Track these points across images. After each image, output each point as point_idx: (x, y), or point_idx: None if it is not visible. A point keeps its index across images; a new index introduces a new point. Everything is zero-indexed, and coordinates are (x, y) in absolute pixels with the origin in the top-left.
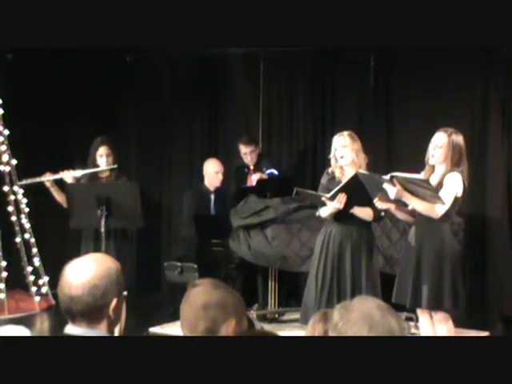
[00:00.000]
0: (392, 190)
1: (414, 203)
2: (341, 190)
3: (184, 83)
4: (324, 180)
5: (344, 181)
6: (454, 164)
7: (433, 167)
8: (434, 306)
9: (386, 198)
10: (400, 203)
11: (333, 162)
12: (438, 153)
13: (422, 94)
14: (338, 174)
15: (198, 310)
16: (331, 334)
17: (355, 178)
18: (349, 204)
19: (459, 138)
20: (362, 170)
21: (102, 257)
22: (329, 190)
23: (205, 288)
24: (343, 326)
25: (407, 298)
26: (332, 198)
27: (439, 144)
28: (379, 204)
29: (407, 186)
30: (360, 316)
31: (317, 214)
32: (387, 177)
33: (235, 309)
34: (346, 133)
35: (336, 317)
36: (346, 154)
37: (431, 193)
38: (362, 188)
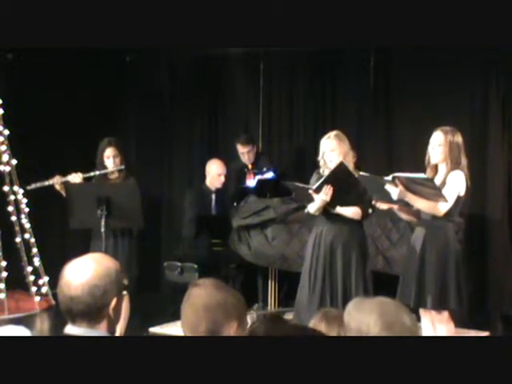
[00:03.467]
0: (394, 191)
1: (417, 203)
2: (326, 181)
3: (184, 83)
4: (313, 181)
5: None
6: (454, 162)
7: (435, 167)
8: (439, 306)
9: (386, 199)
10: (402, 203)
11: (322, 163)
12: (437, 151)
13: (422, 94)
14: (326, 173)
15: (199, 311)
16: (345, 320)
17: (339, 167)
18: (336, 196)
19: (457, 136)
20: (363, 172)
21: (102, 257)
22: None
23: (206, 289)
24: (354, 312)
25: (411, 299)
26: (318, 191)
27: (438, 143)
28: (380, 205)
29: (409, 185)
30: (372, 305)
31: (306, 210)
32: (389, 178)
33: (237, 310)
34: (332, 135)
35: (350, 304)
36: (334, 158)
37: (434, 191)
38: (348, 178)
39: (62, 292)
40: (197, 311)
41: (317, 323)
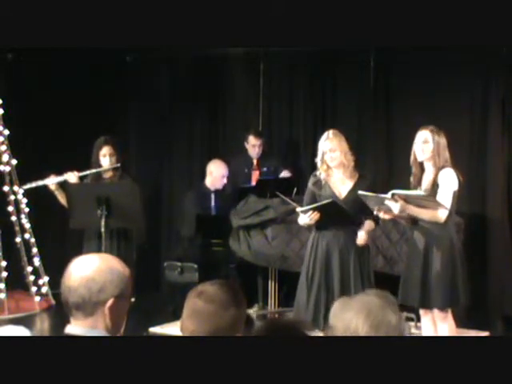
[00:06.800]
0: (395, 206)
1: (418, 213)
2: (314, 209)
3: (184, 83)
4: (310, 183)
5: (324, 201)
6: (442, 160)
7: (421, 166)
8: (448, 304)
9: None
10: (404, 214)
11: (319, 164)
12: (426, 148)
13: (422, 94)
14: (323, 175)
15: (207, 334)
16: (331, 321)
17: (331, 204)
18: (323, 222)
19: (441, 135)
20: (362, 191)
21: (110, 257)
22: (313, 194)
23: (214, 309)
24: (340, 312)
25: (416, 299)
26: (304, 212)
27: (426, 140)
28: (381, 215)
29: (408, 199)
30: (358, 304)
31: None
32: (388, 195)
33: (240, 323)
34: (331, 134)
35: (336, 304)
36: (335, 157)
37: (432, 203)
38: (338, 212)
39: (63, 282)
40: (206, 333)
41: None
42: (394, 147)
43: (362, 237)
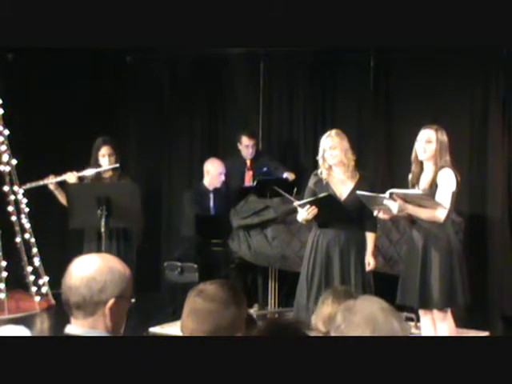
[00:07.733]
0: (394, 205)
1: (417, 213)
2: (311, 203)
3: (184, 83)
4: (311, 183)
5: (320, 194)
6: (442, 159)
7: (421, 165)
8: (447, 304)
9: (387, 213)
10: (403, 214)
11: (320, 162)
12: (429, 148)
13: (422, 95)
14: (324, 175)
15: (207, 332)
16: (334, 334)
17: (327, 198)
18: (321, 217)
19: (444, 134)
20: (361, 191)
21: (111, 257)
22: (315, 193)
23: (214, 308)
24: (346, 328)
25: (415, 299)
26: (302, 206)
27: (429, 139)
28: (381, 215)
29: (407, 198)
30: (363, 319)
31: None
32: (386, 195)
33: (240, 321)
34: (333, 133)
35: (339, 318)
36: (335, 155)
37: (430, 202)
38: (335, 206)
39: (64, 282)
40: (205, 332)
41: (325, 298)
42: (394, 147)
43: (370, 263)
